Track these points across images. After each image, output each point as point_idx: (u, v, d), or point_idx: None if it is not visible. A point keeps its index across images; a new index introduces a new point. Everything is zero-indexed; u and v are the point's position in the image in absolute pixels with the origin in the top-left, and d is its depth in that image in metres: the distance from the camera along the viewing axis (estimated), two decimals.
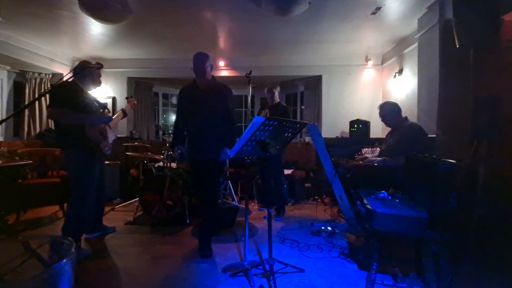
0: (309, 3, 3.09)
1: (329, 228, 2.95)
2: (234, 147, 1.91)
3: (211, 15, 3.64)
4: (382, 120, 2.95)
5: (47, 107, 2.49)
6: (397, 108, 2.87)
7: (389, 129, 3.04)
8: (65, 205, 3.24)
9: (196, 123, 2.45)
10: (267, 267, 1.93)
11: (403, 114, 2.92)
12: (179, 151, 2.55)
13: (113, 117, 2.66)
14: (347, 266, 2.22)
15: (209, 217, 2.49)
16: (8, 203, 3.29)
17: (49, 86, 5.05)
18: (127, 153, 3.99)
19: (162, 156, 3.61)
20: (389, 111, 2.87)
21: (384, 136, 3.22)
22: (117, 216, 3.57)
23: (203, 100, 2.40)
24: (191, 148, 2.50)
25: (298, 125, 2.02)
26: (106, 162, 2.76)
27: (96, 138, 2.41)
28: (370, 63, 5.21)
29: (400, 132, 2.77)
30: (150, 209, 3.23)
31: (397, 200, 1.93)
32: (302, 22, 3.76)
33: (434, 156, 1.94)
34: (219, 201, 3.79)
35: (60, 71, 5.11)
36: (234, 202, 4.02)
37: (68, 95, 2.33)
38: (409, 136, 2.66)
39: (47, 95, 4.12)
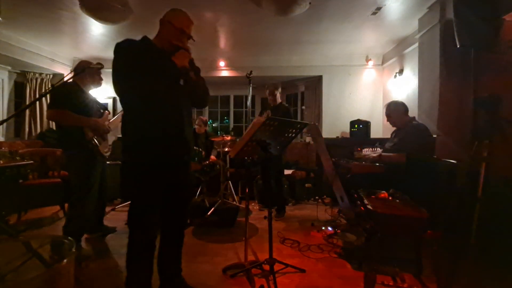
0: (310, 3, 3.08)
1: (330, 228, 2.95)
2: (235, 147, 1.91)
3: (211, 15, 3.64)
4: (388, 120, 2.94)
5: (47, 108, 2.50)
6: (403, 108, 2.86)
7: (390, 130, 3.04)
8: (66, 205, 3.25)
9: (169, 104, 1.60)
10: (268, 267, 1.93)
11: None
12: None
13: (112, 119, 2.67)
14: (347, 267, 2.22)
15: (180, 245, 1.81)
16: (9, 203, 3.30)
17: (49, 86, 5.06)
18: None
19: None
20: (393, 110, 2.87)
21: (384, 136, 3.23)
22: (118, 216, 3.58)
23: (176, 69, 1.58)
24: (160, 140, 1.58)
25: (298, 125, 2.03)
26: (107, 162, 2.76)
27: (96, 139, 2.42)
28: (371, 63, 5.20)
29: (405, 131, 2.77)
30: None
31: (397, 201, 1.93)
32: (303, 22, 3.76)
33: (435, 156, 1.94)
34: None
35: (61, 71, 5.12)
36: (234, 203, 4.02)
37: (69, 96, 2.34)
38: (413, 136, 2.64)
39: (48, 96, 4.13)
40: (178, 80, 1.62)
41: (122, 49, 1.56)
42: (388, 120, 2.95)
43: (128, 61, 1.52)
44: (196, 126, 4.53)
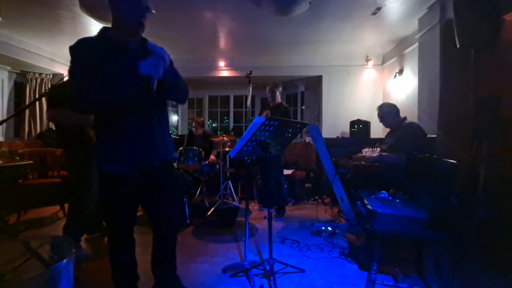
0: (310, 3, 3.09)
1: (330, 228, 2.95)
2: (234, 147, 1.91)
3: (211, 15, 3.64)
4: (381, 121, 2.99)
5: (47, 109, 2.49)
6: (395, 109, 2.90)
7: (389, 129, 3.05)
8: (66, 205, 3.25)
9: (131, 111, 1.45)
10: (268, 267, 1.93)
11: (404, 115, 2.94)
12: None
13: None
14: (347, 267, 2.22)
15: (173, 245, 1.76)
16: (9, 203, 3.29)
17: (49, 86, 5.06)
18: None
19: None
20: (386, 112, 2.90)
21: (384, 136, 3.23)
22: None
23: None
24: (127, 147, 1.46)
25: (298, 125, 2.03)
26: None
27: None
28: (371, 63, 5.20)
29: (399, 131, 2.79)
30: None
31: (397, 201, 1.93)
32: (302, 22, 3.76)
33: (435, 156, 1.94)
34: (218, 201, 3.79)
35: (61, 72, 5.12)
36: (234, 202, 4.02)
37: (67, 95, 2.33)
38: (408, 134, 2.68)
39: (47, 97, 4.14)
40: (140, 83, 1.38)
41: (74, 54, 1.41)
42: (381, 122, 3.00)
43: (81, 69, 1.37)
44: (192, 128, 4.55)
